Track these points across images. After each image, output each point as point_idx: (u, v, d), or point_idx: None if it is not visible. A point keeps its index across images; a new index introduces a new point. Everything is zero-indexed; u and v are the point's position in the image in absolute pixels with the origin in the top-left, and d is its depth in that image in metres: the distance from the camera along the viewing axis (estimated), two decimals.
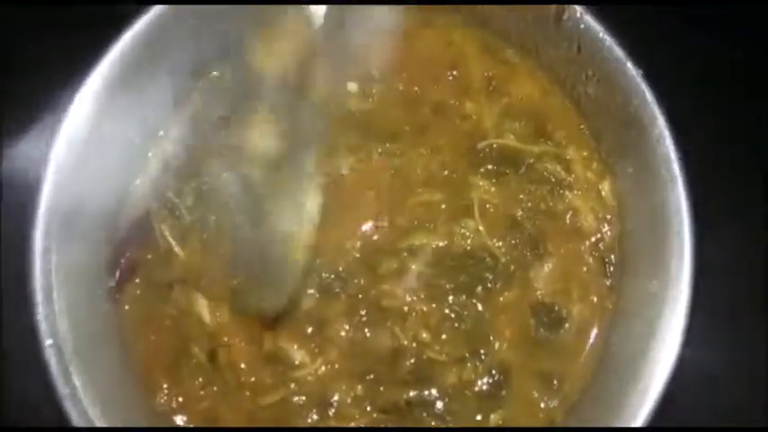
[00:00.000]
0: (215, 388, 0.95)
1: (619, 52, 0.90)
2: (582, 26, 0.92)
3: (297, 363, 0.94)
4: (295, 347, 0.94)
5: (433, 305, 0.94)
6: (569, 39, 0.95)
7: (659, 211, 0.88)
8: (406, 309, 0.94)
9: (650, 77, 0.88)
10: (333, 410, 0.92)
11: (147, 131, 1.04)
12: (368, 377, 0.93)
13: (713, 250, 0.90)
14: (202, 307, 0.97)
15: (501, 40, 1.05)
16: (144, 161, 1.04)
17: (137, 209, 1.02)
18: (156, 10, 0.98)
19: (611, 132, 0.96)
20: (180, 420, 0.95)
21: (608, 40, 0.91)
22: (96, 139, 0.96)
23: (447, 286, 0.95)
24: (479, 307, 0.94)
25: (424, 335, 0.93)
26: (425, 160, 1.00)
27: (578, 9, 0.92)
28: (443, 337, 0.93)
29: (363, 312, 0.94)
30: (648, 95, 0.88)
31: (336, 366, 0.93)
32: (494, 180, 0.99)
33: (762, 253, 1.01)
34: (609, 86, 0.93)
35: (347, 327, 0.94)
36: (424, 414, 0.91)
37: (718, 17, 1.04)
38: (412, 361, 0.92)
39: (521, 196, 0.98)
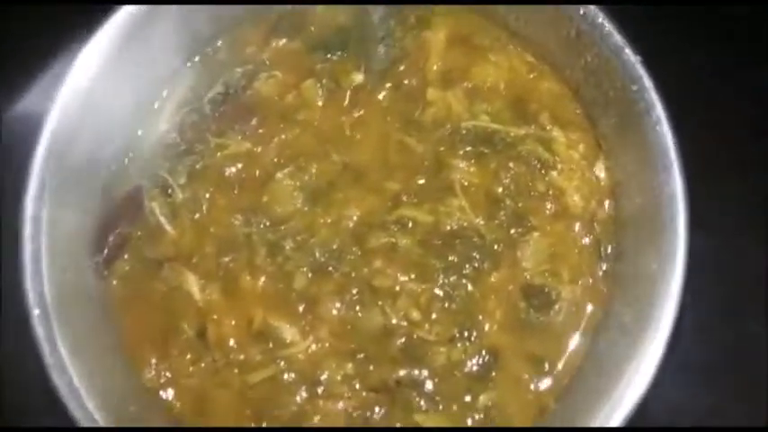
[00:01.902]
0: (203, 365, 0.95)
1: (618, 38, 0.90)
2: (581, 12, 0.92)
3: (287, 341, 0.93)
4: (286, 325, 0.94)
5: (423, 285, 0.94)
6: (567, 24, 0.95)
7: (655, 196, 0.87)
8: (397, 288, 0.94)
9: (649, 64, 0.89)
10: (322, 388, 0.92)
11: (141, 107, 1.04)
12: (358, 356, 0.92)
13: (709, 237, 0.92)
14: (192, 284, 0.97)
15: (486, 23, 1.05)
16: (136, 137, 1.03)
17: (128, 185, 1.01)
18: None
19: (609, 117, 0.96)
20: (167, 395, 0.94)
21: (607, 26, 0.91)
22: (90, 110, 0.95)
23: (437, 265, 0.95)
24: (469, 287, 0.94)
25: (415, 314, 0.93)
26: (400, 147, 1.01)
27: None
28: (433, 316, 0.93)
29: (355, 291, 0.94)
30: (647, 81, 0.89)
31: (327, 345, 0.93)
32: (473, 160, 0.99)
33: (760, 239, 1.02)
34: (607, 72, 0.93)
35: (338, 305, 0.94)
36: (414, 394, 0.91)
37: (719, 4, 1.05)
38: (402, 340, 0.92)
39: (501, 174, 0.98)
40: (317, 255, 0.96)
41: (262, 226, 0.98)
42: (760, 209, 1.02)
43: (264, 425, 0.92)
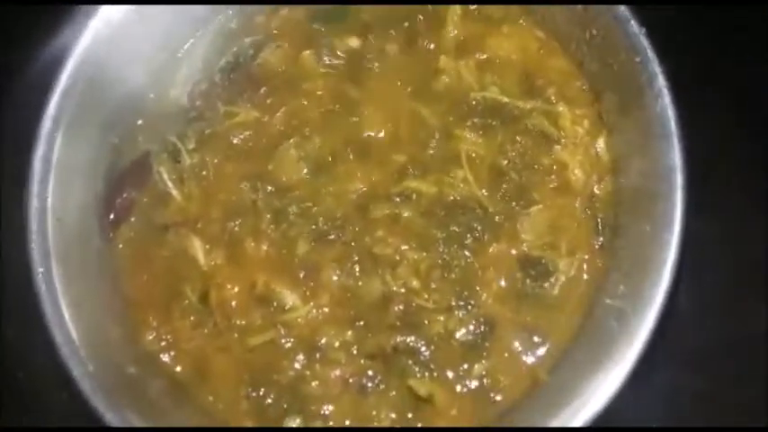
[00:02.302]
0: (205, 330, 0.96)
1: (623, 9, 0.90)
2: None
3: (288, 306, 0.94)
4: (287, 291, 0.94)
5: (424, 254, 0.94)
6: None
7: (655, 169, 0.88)
8: (397, 257, 0.94)
9: (653, 36, 0.89)
10: (319, 354, 0.93)
11: (152, 74, 1.05)
12: (357, 323, 0.93)
13: (709, 222, 0.92)
14: (197, 249, 0.98)
15: None
16: (148, 100, 1.05)
17: (137, 149, 1.03)
18: None
19: (612, 91, 0.96)
20: (167, 358, 0.95)
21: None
22: (107, 68, 0.98)
23: (438, 235, 0.95)
24: (468, 257, 0.95)
25: (414, 282, 0.93)
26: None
27: None
28: (432, 285, 0.93)
29: (356, 259, 0.95)
30: (650, 53, 0.88)
31: (326, 311, 0.94)
32: (480, 132, 0.99)
33: (760, 218, 1.00)
34: (611, 44, 0.93)
35: (339, 273, 0.94)
36: (410, 361, 0.91)
37: None
38: (400, 307, 0.93)
39: (507, 147, 0.98)
40: (320, 223, 0.97)
41: (267, 192, 0.98)
42: (762, 194, 1.01)
43: (262, 390, 0.93)
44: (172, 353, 0.96)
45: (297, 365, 0.93)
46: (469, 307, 0.93)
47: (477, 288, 0.94)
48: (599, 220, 0.96)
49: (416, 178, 0.97)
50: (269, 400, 0.93)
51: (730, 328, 0.98)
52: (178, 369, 0.95)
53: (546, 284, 0.94)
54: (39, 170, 0.92)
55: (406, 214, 0.96)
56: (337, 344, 0.93)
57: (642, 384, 0.83)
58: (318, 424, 0.92)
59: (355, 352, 0.92)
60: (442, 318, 0.92)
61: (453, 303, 0.93)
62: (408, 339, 0.92)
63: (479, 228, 0.95)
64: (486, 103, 1.01)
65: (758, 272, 0.98)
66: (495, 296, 0.94)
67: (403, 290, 0.94)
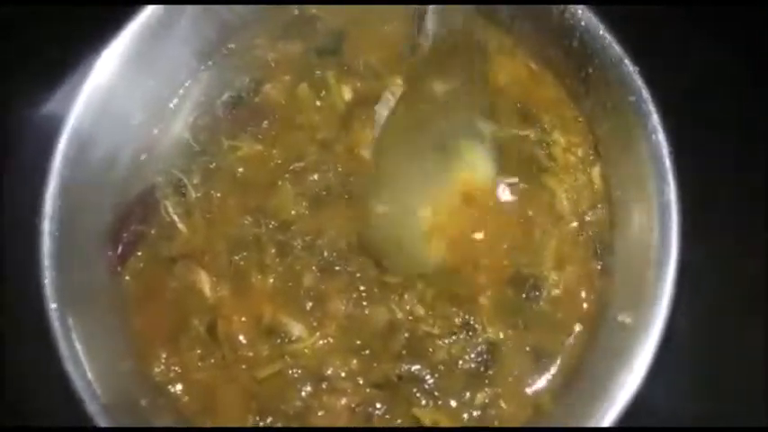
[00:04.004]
0: (212, 360, 0.98)
1: (618, 50, 0.93)
2: (582, 23, 0.95)
3: (294, 337, 0.96)
4: (294, 322, 0.97)
5: (427, 281, 0.97)
6: (570, 34, 0.98)
7: (649, 204, 0.91)
8: (404, 285, 0.97)
9: (647, 74, 0.92)
10: (326, 384, 0.95)
11: (157, 108, 1.07)
12: (363, 352, 0.96)
13: (703, 245, 0.93)
14: (204, 282, 1.00)
15: (489, 27, 1.08)
16: (152, 136, 1.07)
17: (143, 183, 1.05)
18: None
19: (606, 125, 0.99)
20: (176, 390, 0.97)
21: (608, 37, 0.94)
22: (109, 110, 1.00)
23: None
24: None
25: (420, 310, 0.96)
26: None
27: (580, 6, 0.96)
28: (437, 311, 0.96)
29: (362, 288, 0.97)
30: (644, 92, 0.91)
31: (332, 341, 0.96)
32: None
33: (753, 249, 1.04)
34: (606, 82, 0.96)
35: (346, 302, 0.97)
36: (414, 390, 0.94)
37: (716, 17, 1.08)
38: (406, 335, 0.95)
39: (499, 176, 1.01)
40: (325, 254, 0.99)
41: (271, 226, 1.01)
42: (756, 217, 1.05)
43: (269, 420, 0.95)
44: (180, 384, 0.98)
45: (303, 395, 0.95)
46: (472, 332, 0.96)
47: (479, 310, 0.97)
48: (596, 244, 0.99)
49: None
50: None
51: (727, 346, 1.02)
52: (186, 400, 0.97)
53: (540, 300, 0.97)
54: (50, 207, 0.93)
55: None
56: (343, 374, 0.95)
57: (645, 406, 0.86)
58: None
59: (361, 381, 0.95)
60: (446, 342, 0.95)
61: (457, 328, 0.96)
62: (413, 368, 0.94)
63: None
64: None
65: (754, 293, 1.02)
66: (494, 316, 0.97)
67: (410, 317, 0.96)
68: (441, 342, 0.95)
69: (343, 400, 0.94)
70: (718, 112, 1.06)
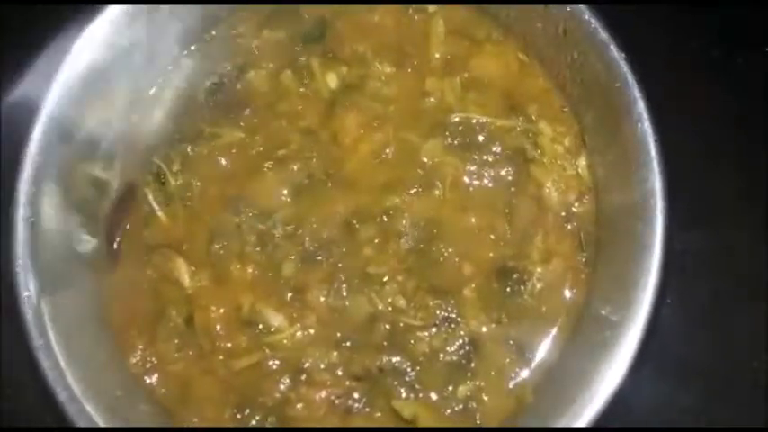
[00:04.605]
0: (190, 351, 0.96)
1: (604, 35, 0.92)
2: (568, 9, 0.94)
3: (273, 328, 0.95)
4: (273, 312, 0.95)
5: (411, 272, 0.96)
6: (555, 21, 0.96)
7: (634, 192, 0.89)
8: (386, 278, 0.95)
9: (633, 61, 0.90)
10: (305, 376, 0.93)
11: (138, 94, 1.05)
12: (343, 344, 0.94)
13: (692, 235, 0.94)
14: (183, 272, 0.98)
15: (479, 17, 1.07)
16: (131, 124, 1.04)
17: (123, 171, 1.03)
18: None
19: (593, 113, 0.97)
20: (152, 381, 0.95)
21: (593, 23, 0.92)
22: (88, 95, 0.97)
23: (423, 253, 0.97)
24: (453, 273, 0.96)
25: (401, 301, 0.94)
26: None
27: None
28: (419, 303, 0.94)
29: (343, 279, 0.95)
30: (630, 78, 0.90)
31: (313, 332, 0.95)
32: (459, 153, 1.00)
33: (744, 240, 1.02)
34: (592, 69, 0.94)
35: (326, 293, 0.95)
36: (395, 382, 0.92)
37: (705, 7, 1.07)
38: (387, 327, 0.94)
39: (485, 167, 1.00)
40: (307, 244, 0.97)
41: (251, 215, 0.99)
42: (744, 205, 1.03)
43: (247, 412, 0.93)
44: (156, 375, 0.96)
45: (282, 387, 0.93)
46: (454, 324, 0.94)
47: (461, 302, 0.95)
48: (581, 236, 0.97)
49: (402, 196, 0.98)
50: (254, 422, 0.93)
51: (716, 340, 1.00)
52: (162, 391, 0.96)
53: (525, 293, 0.96)
54: (25, 194, 0.92)
55: (393, 233, 0.97)
56: (323, 365, 0.93)
57: (628, 401, 0.85)
58: None
59: (341, 373, 0.93)
60: (427, 334, 0.93)
61: (439, 320, 0.94)
62: (394, 360, 0.92)
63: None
64: (467, 122, 1.02)
65: (743, 284, 1.00)
66: (478, 308, 0.95)
67: (390, 309, 0.94)
68: (422, 334, 0.93)
69: (323, 393, 0.93)
70: (705, 101, 1.05)
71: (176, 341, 0.96)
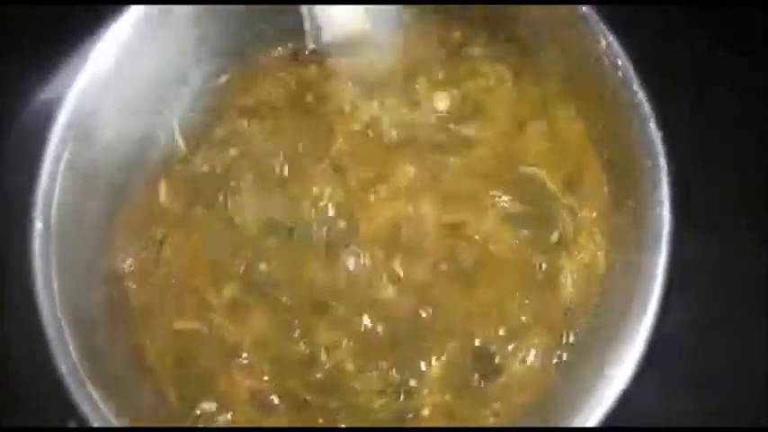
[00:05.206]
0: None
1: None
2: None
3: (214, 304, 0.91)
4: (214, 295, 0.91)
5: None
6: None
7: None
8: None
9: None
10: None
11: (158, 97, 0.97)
12: (273, 365, 0.89)
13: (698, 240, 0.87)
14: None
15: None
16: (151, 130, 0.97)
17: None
18: None
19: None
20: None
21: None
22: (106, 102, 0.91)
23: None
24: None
25: (351, 366, 0.88)
26: None
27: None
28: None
29: (296, 323, 0.89)
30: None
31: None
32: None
33: (752, 245, 0.97)
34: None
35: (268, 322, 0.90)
36: (320, 419, 0.87)
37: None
38: (320, 376, 0.88)
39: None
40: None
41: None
42: (751, 210, 0.98)
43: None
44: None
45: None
46: (405, 397, 0.87)
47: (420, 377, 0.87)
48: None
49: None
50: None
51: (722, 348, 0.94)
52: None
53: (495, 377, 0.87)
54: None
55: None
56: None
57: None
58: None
59: (266, 378, 0.89)
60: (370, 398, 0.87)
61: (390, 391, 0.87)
62: (326, 400, 0.87)
63: None
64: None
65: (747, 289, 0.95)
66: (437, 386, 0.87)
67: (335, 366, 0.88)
68: (364, 397, 0.87)
69: (249, 381, 0.89)
70: (713, 104, 0.99)
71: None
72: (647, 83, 0.81)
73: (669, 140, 0.80)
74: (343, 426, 0.86)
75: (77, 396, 0.80)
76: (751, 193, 0.98)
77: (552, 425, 0.79)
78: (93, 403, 0.80)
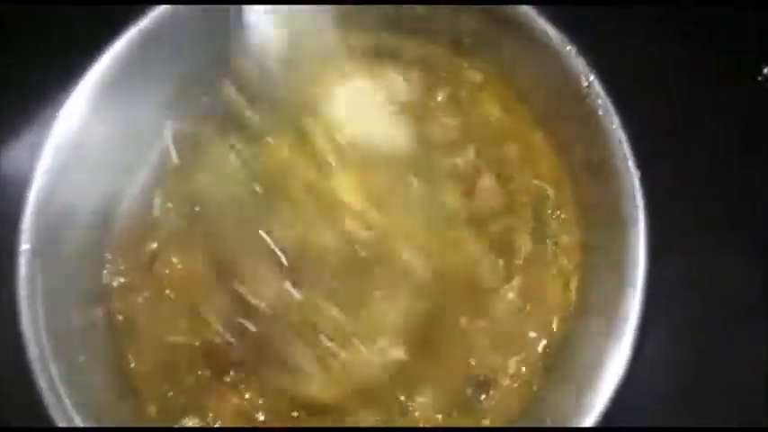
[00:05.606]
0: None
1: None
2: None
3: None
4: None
5: None
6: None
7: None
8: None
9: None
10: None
11: (136, 145, 1.00)
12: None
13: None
14: None
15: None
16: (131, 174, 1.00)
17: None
18: (155, 12, 0.95)
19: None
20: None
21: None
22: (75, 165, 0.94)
23: None
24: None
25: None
26: None
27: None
28: None
29: None
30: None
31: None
32: None
33: (725, 260, 0.98)
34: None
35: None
36: None
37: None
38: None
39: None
40: None
41: None
42: (727, 228, 1.00)
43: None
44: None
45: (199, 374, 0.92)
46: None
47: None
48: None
49: None
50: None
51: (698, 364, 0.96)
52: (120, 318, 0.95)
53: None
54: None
55: None
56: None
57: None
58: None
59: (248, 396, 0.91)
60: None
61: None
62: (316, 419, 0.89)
63: None
64: None
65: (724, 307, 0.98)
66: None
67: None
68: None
69: (235, 400, 0.91)
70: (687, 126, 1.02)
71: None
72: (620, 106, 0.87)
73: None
74: None
75: (54, 412, 0.83)
76: (726, 208, 1.00)
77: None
78: (68, 418, 0.83)
